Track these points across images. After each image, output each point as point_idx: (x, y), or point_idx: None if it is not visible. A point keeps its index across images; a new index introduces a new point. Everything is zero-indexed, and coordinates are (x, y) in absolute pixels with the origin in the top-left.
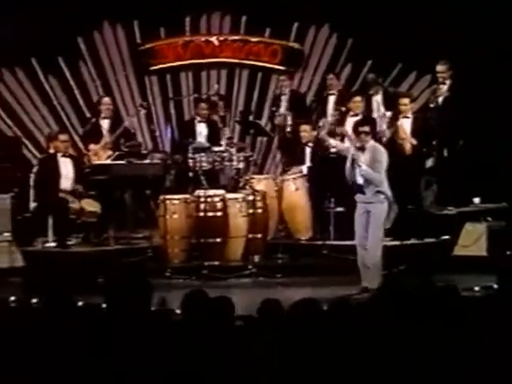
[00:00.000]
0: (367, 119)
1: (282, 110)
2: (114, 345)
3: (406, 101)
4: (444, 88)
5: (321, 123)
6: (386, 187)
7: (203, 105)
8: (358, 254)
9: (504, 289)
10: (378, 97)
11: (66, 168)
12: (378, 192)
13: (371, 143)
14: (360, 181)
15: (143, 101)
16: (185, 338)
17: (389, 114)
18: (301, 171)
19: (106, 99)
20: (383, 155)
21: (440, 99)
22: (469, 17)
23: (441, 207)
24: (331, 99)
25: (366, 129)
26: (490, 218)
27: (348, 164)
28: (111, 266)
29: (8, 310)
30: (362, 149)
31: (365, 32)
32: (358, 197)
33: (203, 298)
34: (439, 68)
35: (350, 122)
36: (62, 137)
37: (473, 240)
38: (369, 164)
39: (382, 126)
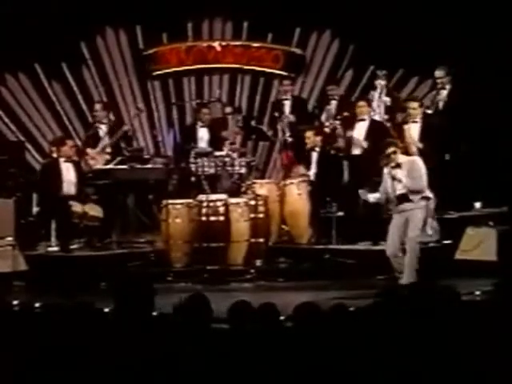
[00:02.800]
0: (389, 141)
1: (286, 114)
2: (115, 348)
3: (415, 105)
4: (444, 93)
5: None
6: (428, 191)
7: (205, 110)
8: (391, 262)
9: (505, 292)
10: (384, 98)
11: (69, 173)
12: (422, 198)
13: (403, 157)
14: (400, 192)
15: (143, 105)
16: (186, 342)
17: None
18: (303, 176)
19: (97, 105)
20: (419, 163)
21: (440, 104)
22: (470, 21)
23: (442, 211)
24: (333, 104)
25: (392, 149)
26: (491, 223)
27: (388, 182)
28: (114, 271)
29: (11, 313)
30: (397, 166)
31: (366, 38)
32: (400, 207)
33: (204, 302)
34: (438, 73)
35: (357, 127)
36: (70, 142)
37: (474, 244)
38: (408, 176)
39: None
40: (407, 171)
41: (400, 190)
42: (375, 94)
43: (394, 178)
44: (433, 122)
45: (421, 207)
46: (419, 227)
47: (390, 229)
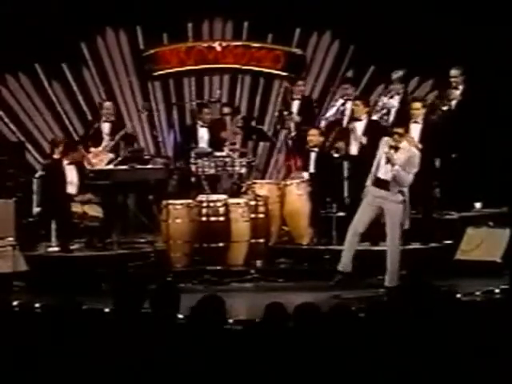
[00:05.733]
0: (402, 121)
1: (294, 114)
2: (117, 348)
3: (418, 105)
4: (457, 93)
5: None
6: (406, 190)
7: (207, 110)
8: (348, 240)
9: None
10: (393, 101)
11: (71, 173)
12: (399, 192)
13: (406, 144)
14: (383, 176)
15: (145, 102)
16: (190, 343)
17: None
18: (304, 176)
19: (107, 104)
20: (417, 159)
21: (453, 103)
22: (470, 21)
23: (443, 212)
24: (349, 105)
25: (400, 130)
26: (491, 223)
27: (377, 159)
28: (114, 271)
29: (11, 313)
30: (395, 148)
31: (367, 38)
32: (376, 191)
33: (219, 304)
34: (453, 72)
35: (354, 125)
36: (82, 150)
37: (474, 245)
38: (402, 164)
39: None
40: (405, 159)
41: (384, 174)
42: (384, 99)
43: (388, 159)
44: (436, 123)
45: (398, 201)
46: (398, 226)
47: (361, 209)
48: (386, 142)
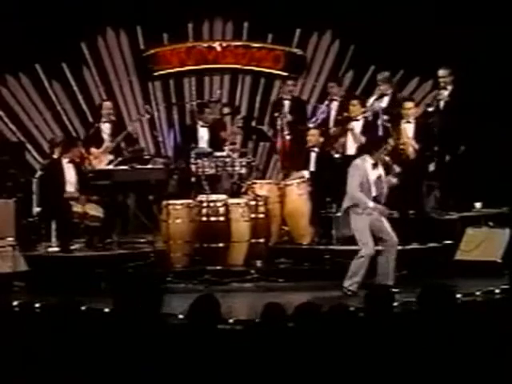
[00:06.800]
0: (383, 139)
1: (284, 113)
2: (117, 348)
3: (409, 105)
4: (445, 93)
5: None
6: None
7: (208, 110)
8: (363, 264)
9: None
10: (380, 102)
11: (70, 173)
12: None
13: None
14: (376, 194)
15: (147, 105)
16: (190, 343)
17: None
18: (303, 176)
19: (107, 103)
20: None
21: (441, 104)
22: (471, 21)
23: (442, 212)
24: (334, 105)
25: (389, 147)
26: (491, 223)
27: (366, 183)
28: (114, 271)
29: (11, 314)
30: (374, 165)
31: (367, 38)
32: (377, 207)
33: (213, 303)
34: (441, 73)
35: (351, 126)
36: (80, 146)
37: (474, 245)
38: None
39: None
40: (383, 172)
41: (376, 191)
42: (370, 100)
43: (388, 175)
44: (428, 122)
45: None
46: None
47: (364, 229)
48: (362, 161)
